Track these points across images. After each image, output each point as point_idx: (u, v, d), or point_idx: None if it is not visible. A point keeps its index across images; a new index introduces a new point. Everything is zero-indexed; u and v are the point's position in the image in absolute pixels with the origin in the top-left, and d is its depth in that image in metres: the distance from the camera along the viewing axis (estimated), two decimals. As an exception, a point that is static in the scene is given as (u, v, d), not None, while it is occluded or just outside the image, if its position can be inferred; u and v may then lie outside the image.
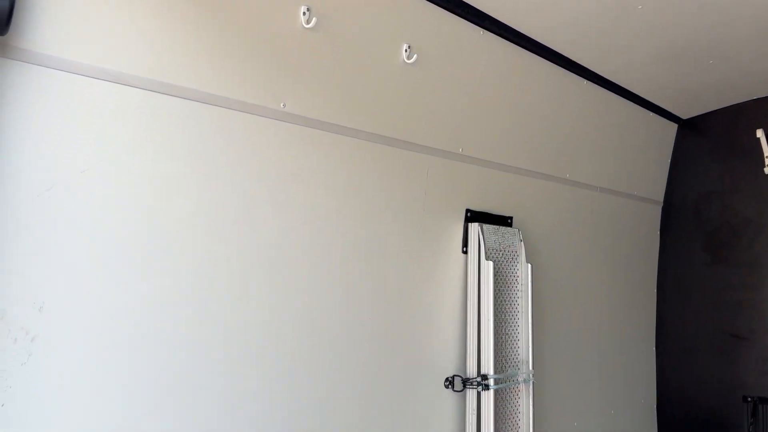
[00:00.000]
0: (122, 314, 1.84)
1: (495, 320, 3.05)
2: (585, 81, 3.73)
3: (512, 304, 3.21)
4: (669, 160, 4.91)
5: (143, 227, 1.88)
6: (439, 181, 2.99)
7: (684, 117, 4.80)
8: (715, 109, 4.71)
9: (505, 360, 3.13)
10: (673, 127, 4.80)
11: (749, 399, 4.43)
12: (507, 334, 3.17)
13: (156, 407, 1.91)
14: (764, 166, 4.44)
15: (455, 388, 3.03)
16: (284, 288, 2.31)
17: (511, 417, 3.14)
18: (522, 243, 3.31)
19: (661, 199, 4.93)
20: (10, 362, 1.62)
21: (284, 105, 2.29)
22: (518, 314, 3.23)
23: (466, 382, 3.05)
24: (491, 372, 3.00)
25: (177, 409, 1.96)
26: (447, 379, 3.02)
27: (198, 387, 2.02)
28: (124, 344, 1.84)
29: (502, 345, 3.12)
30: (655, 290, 4.90)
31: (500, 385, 3.05)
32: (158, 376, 1.92)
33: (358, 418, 2.61)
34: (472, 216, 3.16)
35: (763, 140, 4.42)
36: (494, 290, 3.06)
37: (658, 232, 4.93)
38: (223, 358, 2.10)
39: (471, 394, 3.05)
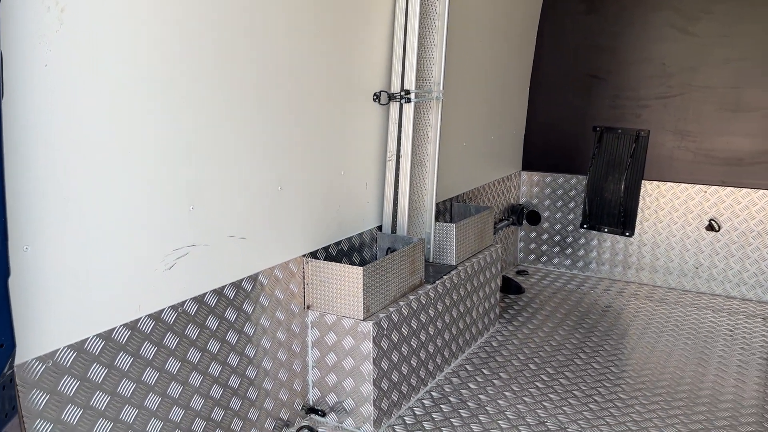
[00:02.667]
0: None
1: (418, 42, 3.46)
2: None
3: (431, 29, 3.61)
4: None
5: None
6: None
7: None
8: None
9: (422, 78, 3.61)
10: None
11: (597, 128, 5.42)
12: (425, 57, 3.61)
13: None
14: None
15: (381, 102, 3.50)
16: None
17: (423, 129, 3.72)
18: (441, -26, 3.62)
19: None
20: (45, 28, 1.80)
21: None
22: (434, 41, 3.65)
23: (391, 96, 3.53)
24: (413, 87, 3.48)
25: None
26: (375, 94, 3.47)
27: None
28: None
29: (421, 64, 3.57)
30: (535, 36, 5.51)
31: (419, 99, 3.56)
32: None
33: (300, 135, 3.02)
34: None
35: None
36: (419, 16, 3.41)
37: (545, -19, 5.41)
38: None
39: (394, 107, 3.55)
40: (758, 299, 4.89)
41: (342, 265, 3.05)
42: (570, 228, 5.58)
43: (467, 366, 3.84)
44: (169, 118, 2.33)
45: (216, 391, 2.68)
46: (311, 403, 3.26)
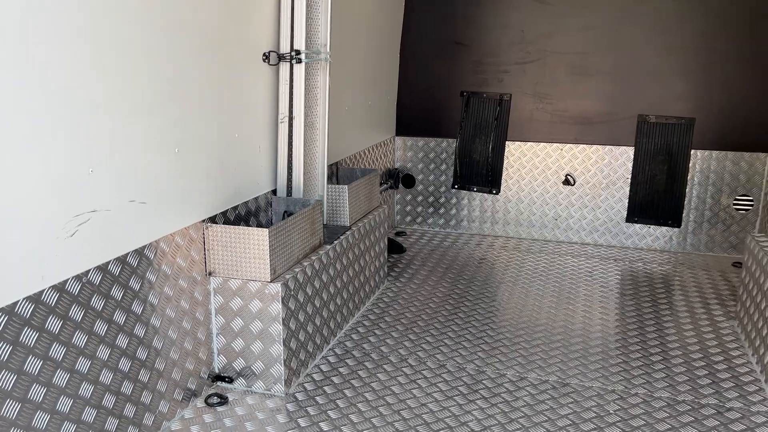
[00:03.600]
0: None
1: (306, 2, 3.44)
2: None
3: (316, -10, 3.60)
4: None
5: None
6: None
7: None
8: None
9: (309, 40, 3.59)
10: None
11: (464, 93, 5.71)
12: (312, 18, 3.59)
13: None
14: None
15: (271, 62, 3.45)
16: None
17: (313, 90, 3.72)
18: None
19: None
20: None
21: None
22: (320, 2, 3.64)
23: (281, 57, 3.48)
24: (303, 48, 3.46)
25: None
26: (264, 54, 3.41)
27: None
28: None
29: (309, 25, 3.56)
30: (404, 2, 5.66)
31: (308, 60, 3.55)
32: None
33: (192, 96, 2.91)
34: None
35: None
36: (306, -26, 3.39)
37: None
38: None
39: (284, 68, 3.51)
40: (608, 244, 5.49)
41: (247, 228, 3.01)
42: (442, 189, 5.86)
43: (364, 322, 3.96)
44: (62, 79, 2.15)
45: (124, 364, 2.56)
46: (217, 370, 3.20)
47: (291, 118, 3.55)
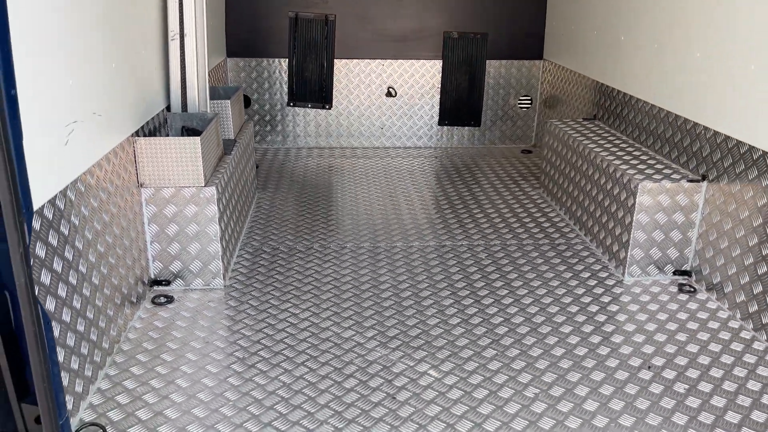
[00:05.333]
0: None
1: None
2: None
3: None
4: None
5: None
6: None
7: None
8: None
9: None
10: None
11: (292, 14, 6.09)
12: (189, -63, 3.74)
13: None
14: None
15: None
16: None
17: (189, 8, 3.89)
18: None
19: None
20: None
21: None
22: None
23: (169, -25, 3.60)
24: (190, -33, 3.63)
25: None
26: (154, -27, 3.51)
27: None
28: None
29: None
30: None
31: (194, -20, 3.72)
32: None
33: (88, 15, 2.99)
34: None
35: None
36: None
37: None
38: None
39: (172, -14, 3.64)
40: (425, 146, 6.46)
41: (179, 138, 3.24)
42: (278, 107, 6.27)
43: (258, 224, 4.38)
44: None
45: (73, 277, 2.63)
46: (153, 276, 3.44)
47: (183, 35, 3.72)
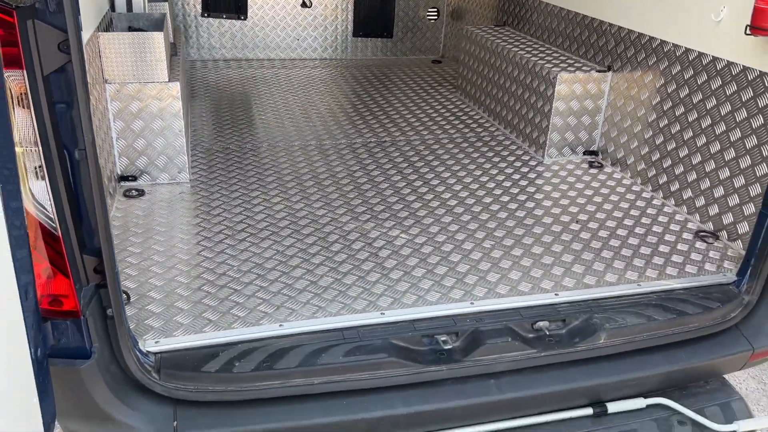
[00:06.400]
0: None
1: None
2: None
3: None
4: None
5: None
6: None
7: None
8: None
9: None
10: None
11: None
12: None
13: None
14: None
15: None
16: None
17: None
18: None
19: None
20: None
21: None
22: None
23: None
24: None
25: None
26: None
27: None
28: None
29: None
30: None
31: None
32: None
33: None
34: None
35: None
36: None
37: None
38: None
39: None
40: (339, 57, 6.69)
41: (142, 33, 3.31)
42: (192, 17, 6.20)
43: (197, 125, 4.51)
44: None
45: None
46: (120, 172, 3.55)
47: (125, -67, 3.70)
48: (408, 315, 2.58)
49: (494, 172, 4.00)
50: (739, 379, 4.17)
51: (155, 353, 2.29)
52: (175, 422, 2.17)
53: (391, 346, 2.41)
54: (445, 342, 2.46)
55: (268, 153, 4.14)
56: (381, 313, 2.59)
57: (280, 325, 2.47)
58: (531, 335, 2.54)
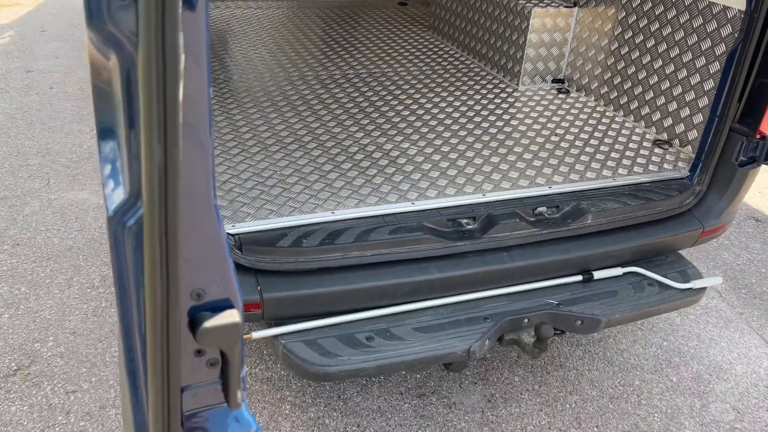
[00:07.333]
0: None
1: None
2: None
3: None
4: None
5: None
6: None
7: None
8: None
9: None
10: None
11: None
12: None
13: None
14: None
15: None
16: None
17: None
18: None
19: None
20: None
21: None
22: None
23: None
24: None
25: None
26: None
27: None
28: None
29: None
30: None
31: None
32: None
33: None
34: None
35: None
36: None
37: None
38: None
39: None
40: (307, 5, 7.00)
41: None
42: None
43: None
44: None
45: None
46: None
47: None
48: (434, 204, 3.10)
49: (478, 97, 4.52)
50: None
51: (233, 235, 2.72)
52: (259, 287, 2.63)
53: (425, 227, 2.92)
54: (467, 223, 3.00)
55: (258, 85, 4.51)
56: (411, 203, 3.09)
57: (332, 213, 2.94)
58: (533, 218, 3.11)
